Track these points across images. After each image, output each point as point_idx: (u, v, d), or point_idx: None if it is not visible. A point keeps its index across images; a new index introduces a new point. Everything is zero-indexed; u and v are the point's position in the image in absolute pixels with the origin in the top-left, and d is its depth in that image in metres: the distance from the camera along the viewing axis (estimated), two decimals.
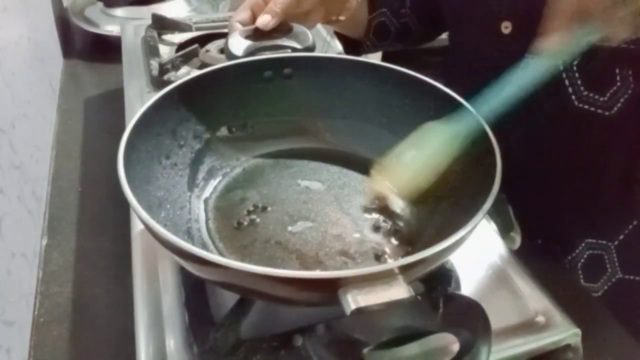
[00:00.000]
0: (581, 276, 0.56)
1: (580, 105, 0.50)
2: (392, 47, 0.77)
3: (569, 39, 0.37)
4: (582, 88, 0.50)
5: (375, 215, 0.46)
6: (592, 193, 0.55)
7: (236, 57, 0.58)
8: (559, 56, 0.38)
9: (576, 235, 0.56)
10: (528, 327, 0.40)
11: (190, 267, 0.35)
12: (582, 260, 0.56)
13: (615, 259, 0.54)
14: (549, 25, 0.37)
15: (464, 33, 0.64)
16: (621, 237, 0.54)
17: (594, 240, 0.55)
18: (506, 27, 0.54)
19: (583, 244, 0.56)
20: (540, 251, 0.56)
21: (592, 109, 0.50)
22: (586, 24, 0.36)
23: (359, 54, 0.76)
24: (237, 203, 0.47)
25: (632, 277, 0.54)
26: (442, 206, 0.45)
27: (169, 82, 0.51)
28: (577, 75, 0.50)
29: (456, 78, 0.54)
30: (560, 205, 0.58)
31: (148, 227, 0.32)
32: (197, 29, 0.82)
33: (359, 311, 0.28)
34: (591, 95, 0.49)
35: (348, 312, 0.28)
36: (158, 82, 0.68)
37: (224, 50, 0.65)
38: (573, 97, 0.51)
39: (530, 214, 0.56)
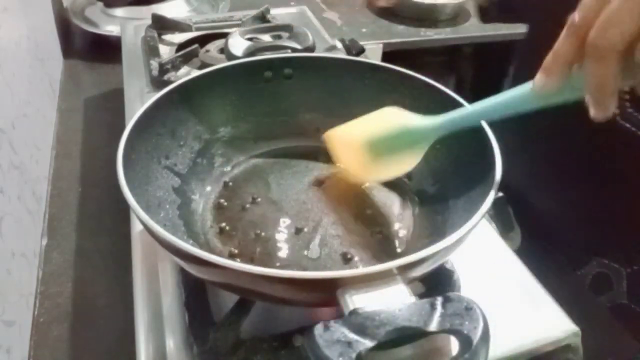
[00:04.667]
0: (586, 286, 0.54)
1: (623, 122, 0.47)
2: None
3: (563, 84, 0.33)
4: (627, 104, 0.47)
5: (374, 216, 0.46)
6: (617, 212, 0.52)
7: (236, 57, 0.58)
8: (553, 97, 0.34)
9: (589, 252, 0.53)
10: (528, 327, 0.40)
11: (190, 268, 0.35)
12: (590, 277, 0.53)
13: (625, 287, 0.51)
14: (543, 65, 0.33)
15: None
16: (635, 267, 0.50)
17: (606, 261, 0.52)
18: None
19: (594, 262, 0.53)
20: (541, 251, 0.56)
21: (634, 129, 0.46)
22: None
23: None
24: (237, 203, 0.47)
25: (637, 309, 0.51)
26: (442, 206, 0.45)
27: (169, 82, 0.51)
28: (625, 91, 0.47)
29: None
30: (579, 218, 0.55)
31: (147, 228, 0.33)
32: (197, 29, 0.82)
33: (358, 311, 0.28)
34: (636, 115, 0.46)
35: (347, 312, 0.28)
36: (158, 82, 0.68)
37: (224, 50, 0.65)
38: (617, 111, 0.47)
39: (544, 223, 0.54)
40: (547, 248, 0.55)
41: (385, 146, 0.44)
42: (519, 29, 0.74)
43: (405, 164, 0.44)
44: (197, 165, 0.49)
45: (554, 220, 0.57)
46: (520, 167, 0.63)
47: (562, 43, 0.31)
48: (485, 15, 0.68)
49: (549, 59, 0.33)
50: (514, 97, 0.36)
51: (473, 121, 0.40)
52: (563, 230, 0.56)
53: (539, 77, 0.33)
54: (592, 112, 0.32)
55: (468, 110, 0.41)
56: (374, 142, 0.44)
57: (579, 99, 0.32)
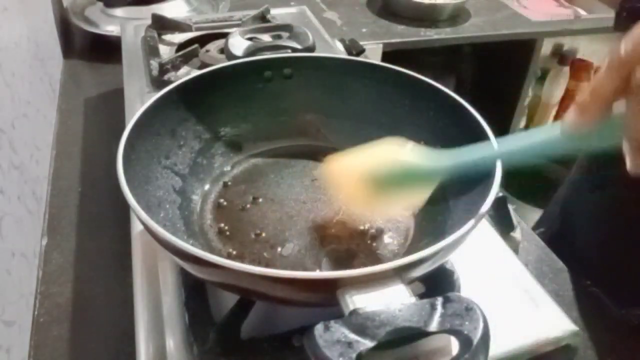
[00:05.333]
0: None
1: None
2: None
3: (599, 126, 0.29)
4: None
5: (374, 216, 0.46)
6: None
7: (236, 57, 0.58)
8: (584, 141, 0.31)
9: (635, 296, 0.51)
10: (528, 327, 0.40)
11: (190, 268, 0.35)
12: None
13: None
14: (577, 101, 0.29)
15: None
16: None
17: None
18: None
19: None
20: (540, 253, 0.56)
21: None
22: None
23: None
24: (237, 203, 0.47)
25: None
26: (442, 206, 0.44)
27: (169, 82, 0.51)
28: None
29: None
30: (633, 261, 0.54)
31: (147, 228, 0.33)
32: (197, 29, 0.82)
33: (358, 311, 0.28)
34: None
35: (347, 312, 0.28)
36: (158, 82, 0.68)
37: (224, 50, 0.65)
38: None
39: (592, 258, 0.53)
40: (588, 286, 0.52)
41: (388, 183, 0.39)
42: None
43: (410, 201, 0.41)
44: (197, 165, 0.49)
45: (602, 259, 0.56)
46: (576, 203, 0.63)
47: (603, 78, 0.27)
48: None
49: (585, 96, 0.28)
50: (539, 140, 0.33)
51: (488, 165, 0.36)
52: (610, 272, 0.54)
53: (572, 115, 0.29)
54: (629, 164, 0.28)
55: (483, 153, 0.36)
56: (377, 179, 0.39)
57: (614, 146, 0.29)
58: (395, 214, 0.45)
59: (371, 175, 0.39)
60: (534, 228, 0.61)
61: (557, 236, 0.61)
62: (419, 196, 0.39)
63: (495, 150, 0.36)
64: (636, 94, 0.26)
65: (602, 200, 0.60)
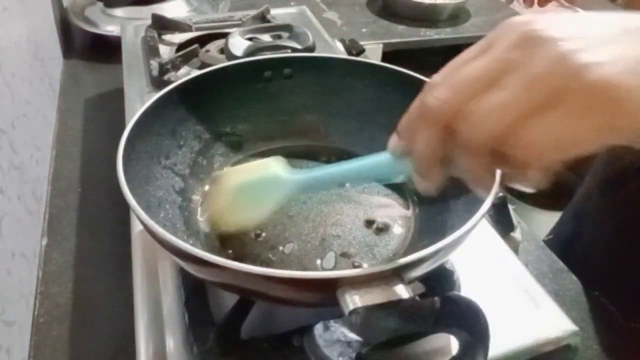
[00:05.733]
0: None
1: None
2: None
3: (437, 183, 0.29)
4: None
5: (374, 216, 0.46)
6: None
7: (236, 57, 0.58)
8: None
9: None
10: (528, 327, 0.40)
11: (190, 268, 0.35)
12: None
13: None
14: (416, 171, 0.29)
15: None
16: None
17: None
18: None
19: None
20: (540, 253, 0.56)
21: None
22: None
23: None
24: None
25: None
26: (442, 206, 0.44)
27: (169, 82, 0.51)
28: None
29: None
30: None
31: (147, 228, 0.33)
32: (197, 29, 0.82)
33: (358, 311, 0.28)
34: None
35: (347, 312, 0.28)
36: (158, 82, 0.68)
37: (224, 50, 0.65)
38: None
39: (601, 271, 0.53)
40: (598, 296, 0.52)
41: (247, 193, 0.40)
42: None
43: (258, 213, 0.40)
44: (197, 165, 0.49)
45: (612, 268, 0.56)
46: (588, 212, 0.63)
47: (427, 138, 0.26)
48: None
49: (420, 164, 0.28)
50: (375, 167, 0.34)
51: (332, 183, 0.39)
52: (619, 284, 0.53)
53: (419, 183, 0.29)
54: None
55: (327, 172, 0.38)
56: (240, 187, 0.41)
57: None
58: (248, 220, 0.43)
59: (235, 183, 0.40)
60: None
61: (566, 244, 0.60)
62: (267, 207, 0.40)
63: (336, 170, 0.37)
64: (458, 145, 0.25)
65: (614, 209, 0.59)
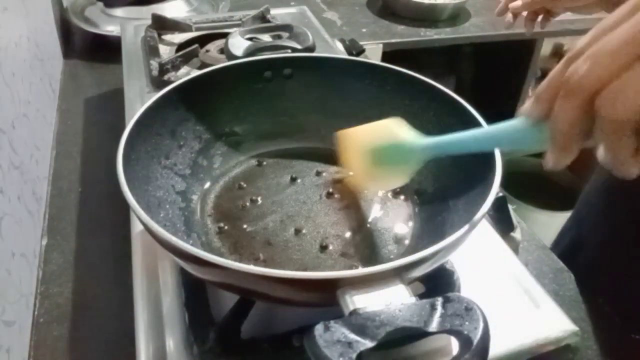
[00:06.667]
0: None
1: None
2: None
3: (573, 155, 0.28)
4: None
5: (374, 216, 0.46)
6: None
7: (236, 57, 0.58)
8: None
9: None
10: (528, 327, 0.40)
11: (190, 268, 0.35)
12: None
13: None
14: (554, 143, 0.28)
15: None
16: None
17: None
18: None
19: None
20: (540, 253, 0.56)
21: None
22: None
23: None
24: (237, 203, 0.47)
25: None
26: (442, 206, 0.45)
27: (169, 82, 0.51)
28: None
29: None
30: None
31: (147, 228, 0.33)
32: (197, 29, 0.82)
33: (358, 312, 0.28)
34: None
35: (347, 312, 0.28)
36: (158, 82, 0.68)
37: (224, 50, 0.65)
38: None
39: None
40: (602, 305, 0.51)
41: (381, 157, 0.42)
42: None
43: (396, 178, 0.43)
44: (197, 165, 0.49)
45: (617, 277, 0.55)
46: (595, 216, 0.63)
47: (567, 112, 0.25)
48: None
49: (559, 137, 0.27)
50: (509, 133, 0.33)
51: (464, 148, 0.38)
52: (623, 293, 0.53)
53: (554, 155, 0.28)
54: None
55: (460, 137, 0.37)
56: (373, 151, 0.43)
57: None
58: (383, 188, 0.48)
59: (370, 146, 0.42)
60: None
61: (569, 251, 0.60)
62: (404, 174, 0.42)
63: (470, 135, 0.37)
64: (598, 120, 0.24)
65: (615, 218, 0.59)
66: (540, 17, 0.71)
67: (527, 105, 0.29)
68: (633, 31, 0.23)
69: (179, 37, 0.81)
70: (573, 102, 0.24)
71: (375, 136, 0.42)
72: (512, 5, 0.71)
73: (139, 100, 0.65)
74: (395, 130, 0.40)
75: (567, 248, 0.62)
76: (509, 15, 0.72)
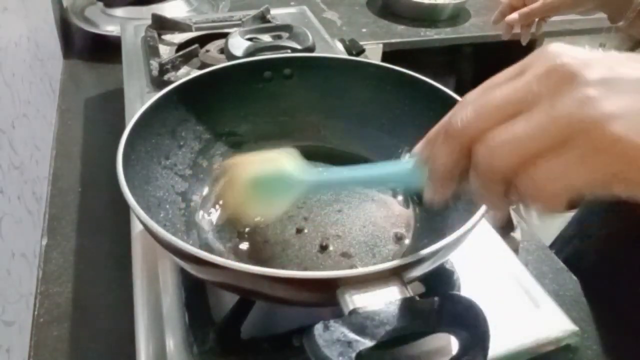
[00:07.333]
0: None
1: None
2: None
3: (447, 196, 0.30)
4: None
5: (374, 216, 0.46)
6: None
7: (236, 57, 0.58)
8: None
9: None
10: (528, 327, 0.40)
11: (190, 268, 0.35)
12: None
13: None
14: (430, 184, 0.29)
15: None
16: None
17: None
18: None
19: None
20: (540, 253, 0.56)
21: None
22: None
23: None
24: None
25: None
26: (442, 206, 0.44)
27: (169, 82, 0.51)
28: None
29: None
30: None
31: (147, 228, 0.33)
32: (197, 29, 0.82)
33: (358, 311, 0.28)
34: None
35: (346, 312, 0.28)
36: (158, 82, 0.68)
37: (224, 50, 0.65)
38: None
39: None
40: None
41: (262, 186, 0.39)
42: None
43: (273, 208, 0.40)
44: (197, 166, 0.49)
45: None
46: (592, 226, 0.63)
47: (445, 153, 0.27)
48: None
49: (434, 175, 0.28)
50: (390, 175, 0.35)
51: (349, 186, 0.39)
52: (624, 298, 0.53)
53: (430, 192, 0.29)
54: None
55: (341, 175, 0.37)
56: (255, 180, 0.40)
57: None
58: (258, 215, 0.43)
59: (251, 174, 0.40)
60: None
61: (570, 259, 0.60)
62: (282, 204, 0.39)
63: (352, 174, 0.36)
64: (472, 166, 0.26)
65: (617, 226, 0.59)
66: (535, 22, 0.71)
67: (417, 146, 0.31)
68: (513, 91, 0.25)
69: (179, 37, 0.81)
70: (453, 144, 0.26)
71: (259, 167, 0.40)
72: (508, 18, 0.71)
73: (139, 100, 0.65)
74: (281, 162, 0.39)
75: (569, 257, 0.62)
76: (505, 26, 0.72)
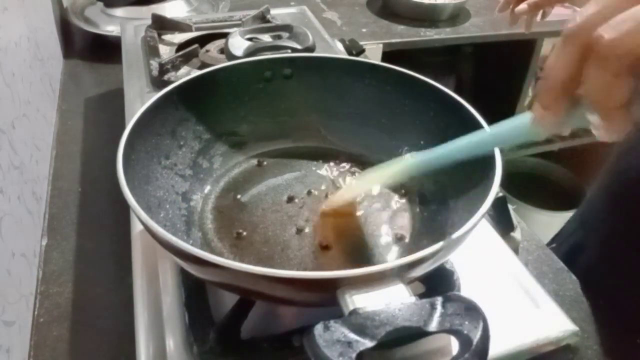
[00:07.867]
0: None
1: None
2: None
3: (558, 118, 0.28)
4: None
5: (375, 215, 0.46)
6: None
7: (236, 57, 0.58)
8: (546, 130, 0.30)
9: None
10: (528, 327, 0.40)
11: (190, 268, 0.35)
12: None
13: None
14: (538, 99, 0.28)
15: None
16: None
17: None
18: None
19: None
20: (540, 253, 0.56)
21: None
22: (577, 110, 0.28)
23: None
24: (237, 203, 0.47)
25: None
26: (442, 206, 0.45)
27: (169, 82, 0.51)
28: None
29: None
30: None
31: (147, 228, 0.32)
32: (197, 29, 0.82)
33: (358, 311, 0.28)
34: None
35: (347, 312, 0.28)
36: (158, 82, 0.68)
37: (224, 50, 0.65)
38: None
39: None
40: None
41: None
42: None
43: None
44: (197, 166, 0.49)
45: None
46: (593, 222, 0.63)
47: (557, 60, 0.26)
48: None
49: (542, 88, 0.27)
50: (510, 130, 0.33)
51: (469, 154, 0.37)
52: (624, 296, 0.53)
53: (536, 112, 0.28)
54: (602, 134, 0.27)
55: (458, 144, 0.37)
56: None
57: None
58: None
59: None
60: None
61: (571, 253, 0.60)
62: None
63: (469, 140, 0.37)
64: (595, 56, 0.24)
65: (618, 221, 0.59)
66: (540, 13, 0.72)
67: (538, 114, 0.29)
68: None
69: (179, 37, 0.81)
70: (570, 44, 0.25)
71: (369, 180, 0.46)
72: (518, 9, 0.71)
73: (139, 100, 0.65)
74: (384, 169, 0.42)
75: (569, 250, 0.62)
76: (511, 15, 0.72)
